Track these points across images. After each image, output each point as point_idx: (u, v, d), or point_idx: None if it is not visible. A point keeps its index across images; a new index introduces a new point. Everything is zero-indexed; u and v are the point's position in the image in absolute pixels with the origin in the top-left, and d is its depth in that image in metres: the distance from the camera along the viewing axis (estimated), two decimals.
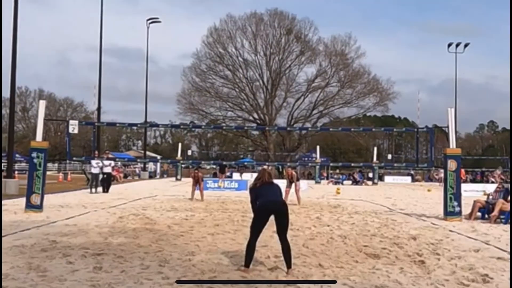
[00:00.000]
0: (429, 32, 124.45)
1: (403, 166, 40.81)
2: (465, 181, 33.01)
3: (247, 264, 5.73)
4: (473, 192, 20.01)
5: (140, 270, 5.65)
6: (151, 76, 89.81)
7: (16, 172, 29.82)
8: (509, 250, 7.26)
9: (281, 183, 11.41)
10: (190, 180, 18.21)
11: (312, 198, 18.35)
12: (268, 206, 5.73)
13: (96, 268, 5.67)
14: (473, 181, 39.17)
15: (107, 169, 19.88)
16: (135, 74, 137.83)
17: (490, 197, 11.99)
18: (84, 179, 26.16)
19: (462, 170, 21.64)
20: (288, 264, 5.74)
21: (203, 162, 51.95)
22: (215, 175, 42.66)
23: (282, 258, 6.22)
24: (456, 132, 26.29)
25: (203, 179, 18.14)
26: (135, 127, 51.60)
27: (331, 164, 43.68)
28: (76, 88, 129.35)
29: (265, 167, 6.79)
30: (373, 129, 34.76)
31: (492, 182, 31.32)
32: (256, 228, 5.77)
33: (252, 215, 6.03)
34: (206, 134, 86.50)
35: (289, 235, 7.88)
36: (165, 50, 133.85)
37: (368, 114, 64.38)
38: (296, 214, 11.91)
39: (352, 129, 44.82)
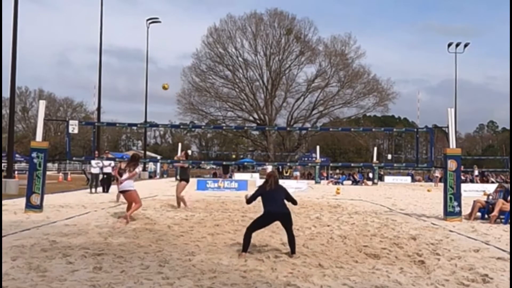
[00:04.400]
0: (429, 32, 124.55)
1: (403, 166, 40.71)
2: (465, 181, 33.02)
3: (244, 250, 6.48)
4: (473, 192, 20.03)
5: (140, 270, 5.65)
6: (151, 76, 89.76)
7: (16, 172, 29.83)
8: (509, 250, 7.26)
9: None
10: (192, 181, 17.52)
11: (312, 198, 18.34)
12: (273, 216, 6.64)
13: (96, 268, 5.67)
14: (473, 181, 39.12)
15: (107, 169, 19.87)
16: (135, 74, 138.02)
17: (490, 197, 11.99)
18: (84, 179, 26.15)
19: None
20: (292, 250, 6.58)
21: (203, 162, 52.02)
22: (214, 175, 42.70)
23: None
24: (456, 132, 26.30)
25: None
26: (135, 127, 51.52)
27: (331, 164, 43.65)
28: (76, 88, 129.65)
29: (271, 172, 7.17)
30: (373, 129, 34.67)
31: (493, 182, 31.31)
32: (258, 225, 6.55)
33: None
34: (206, 134, 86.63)
35: None
36: (165, 50, 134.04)
37: (368, 114, 64.54)
38: (296, 214, 11.87)
39: (352, 129, 44.81)
